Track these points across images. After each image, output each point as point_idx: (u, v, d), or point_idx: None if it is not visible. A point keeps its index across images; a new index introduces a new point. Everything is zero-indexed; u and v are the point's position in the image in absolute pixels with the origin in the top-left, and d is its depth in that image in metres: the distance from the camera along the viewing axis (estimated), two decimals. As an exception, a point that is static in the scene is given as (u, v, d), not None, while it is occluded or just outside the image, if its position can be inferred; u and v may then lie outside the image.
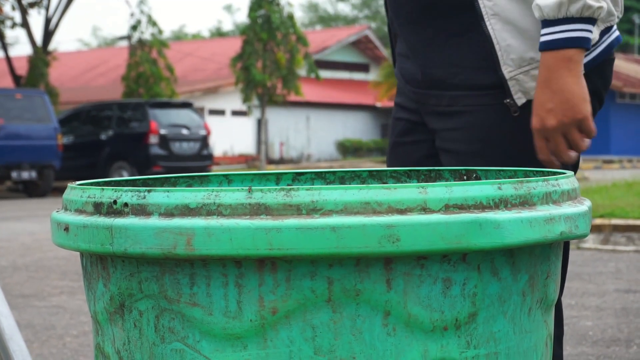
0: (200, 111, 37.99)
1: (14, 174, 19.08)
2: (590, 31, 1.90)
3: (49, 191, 19.90)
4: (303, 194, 1.26)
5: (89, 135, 20.61)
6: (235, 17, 74.08)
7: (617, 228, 9.16)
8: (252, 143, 40.79)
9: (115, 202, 1.36)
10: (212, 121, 37.42)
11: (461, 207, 1.29)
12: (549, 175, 1.59)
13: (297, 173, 1.88)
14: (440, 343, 1.33)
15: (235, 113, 38.96)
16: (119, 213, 1.35)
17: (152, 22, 25.70)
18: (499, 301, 1.37)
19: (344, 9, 73.35)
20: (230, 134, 39.73)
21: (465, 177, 1.82)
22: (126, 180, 1.73)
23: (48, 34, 27.17)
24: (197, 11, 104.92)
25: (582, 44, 1.90)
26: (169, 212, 1.30)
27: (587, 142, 1.94)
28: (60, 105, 27.58)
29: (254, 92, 23.36)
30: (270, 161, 39.10)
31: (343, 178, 1.89)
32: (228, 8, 75.20)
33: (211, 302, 1.32)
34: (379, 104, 43.56)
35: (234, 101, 36.19)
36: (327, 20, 72.03)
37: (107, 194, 1.38)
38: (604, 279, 6.83)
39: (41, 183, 19.59)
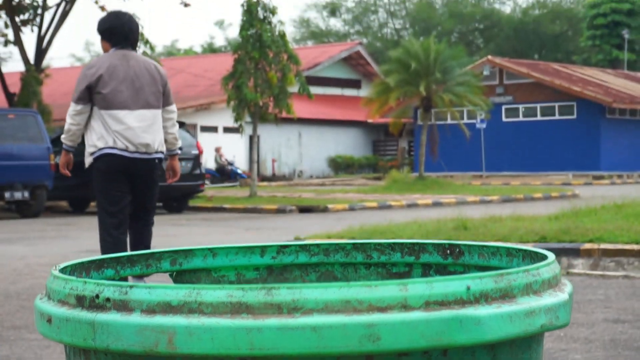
0: (192, 128, 38.04)
1: (7, 194, 19.07)
2: (66, 146, 6.97)
3: (41, 211, 19.88)
4: (284, 293, 1.27)
5: (82, 154, 20.55)
6: (227, 33, 74.05)
7: (606, 252, 9.17)
8: (244, 159, 40.78)
9: (97, 296, 1.36)
10: (204, 138, 37.45)
11: (442, 303, 1.30)
12: (530, 257, 1.60)
13: (281, 246, 1.89)
14: None
15: (228, 130, 38.99)
16: (101, 307, 1.36)
17: (145, 40, 25.72)
18: (480, 393, 1.38)
19: (336, 24, 73.51)
20: (223, 150, 39.72)
21: (448, 251, 1.83)
22: (111, 258, 1.73)
23: (41, 52, 27.16)
24: (189, 26, 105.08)
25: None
26: (151, 308, 1.31)
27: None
28: (52, 122, 27.55)
29: (246, 111, 23.37)
30: (263, 178, 39.10)
31: (327, 250, 1.89)
32: (220, 24, 75.26)
33: (193, 399, 1.32)
34: (370, 120, 43.64)
35: (226, 118, 36.21)
36: (319, 35, 72.11)
37: (89, 288, 1.38)
38: (592, 307, 6.84)
39: (34, 203, 19.57)
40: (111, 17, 7.08)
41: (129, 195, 6.96)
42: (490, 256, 1.69)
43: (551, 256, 1.54)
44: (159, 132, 6.87)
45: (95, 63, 6.87)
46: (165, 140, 7.01)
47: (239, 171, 36.45)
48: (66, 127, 6.81)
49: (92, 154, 6.74)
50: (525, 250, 1.67)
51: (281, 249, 1.90)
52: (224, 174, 35.99)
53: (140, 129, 6.74)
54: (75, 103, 6.75)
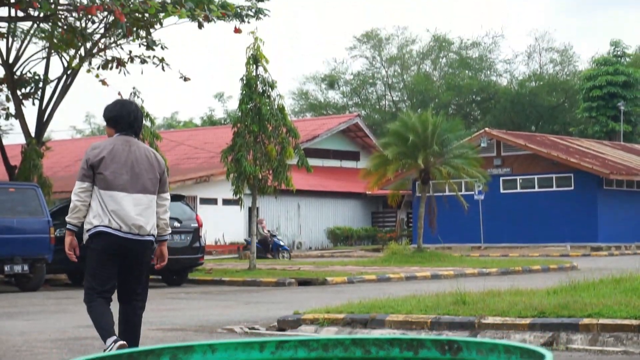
0: (192, 200, 38.11)
1: (6, 268, 19.05)
2: (71, 225, 7.24)
3: (41, 284, 19.85)
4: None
5: (82, 227, 20.57)
6: (227, 105, 74.37)
7: (605, 328, 9.16)
8: (243, 231, 40.78)
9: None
10: (203, 210, 37.49)
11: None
12: (527, 354, 1.63)
13: (280, 341, 1.92)
14: None
15: (227, 202, 39.03)
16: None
17: (145, 114, 25.95)
18: None
19: (334, 96, 73.90)
20: (222, 222, 39.75)
21: (447, 347, 1.86)
22: (110, 356, 1.76)
23: (42, 125, 27.32)
24: (189, 99, 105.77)
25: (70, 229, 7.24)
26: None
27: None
28: (53, 195, 27.61)
29: (245, 183, 23.45)
30: (262, 249, 39.05)
31: (326, 345, 1.92)
32: (219, 96, 75.69)
33: None
34: (369, 192, 43.72)
35: (226, 190, 36.32)
36: (318, 107, 72.52)
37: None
38: (593, 385, 6.82)
39: (33, 276, 19.55)
40: (117, 106, 7.54)
41: (116, 277, 7.33)
42: (488, 352, 1.73)
43: (549, 356, 1.57)
44: (152, 216, 7.34)
45: (99, 145, 7.34)
46: (157, 226, 7.47)
47: (282, 243, 35.29)
48: (72, 205, 7.23)
49: (88, 230, 7.22)
50: (522, 348, 1.71)
51: (280, 344, 1.93)
52: (266, 245, 35.14)
53: (135, 212, 7.20)
54: (81, 181, 7.23)
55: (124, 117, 7.41)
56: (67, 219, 7.26)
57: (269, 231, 35.58)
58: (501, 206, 40.05)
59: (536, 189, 40.28)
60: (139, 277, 7.36)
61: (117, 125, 7.42)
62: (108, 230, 7.13)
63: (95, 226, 7.14)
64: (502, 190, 40.62)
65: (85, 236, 7.23)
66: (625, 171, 39.69)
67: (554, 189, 39.77)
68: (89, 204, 7.21)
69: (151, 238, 7.31)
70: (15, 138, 39.89)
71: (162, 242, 7.53)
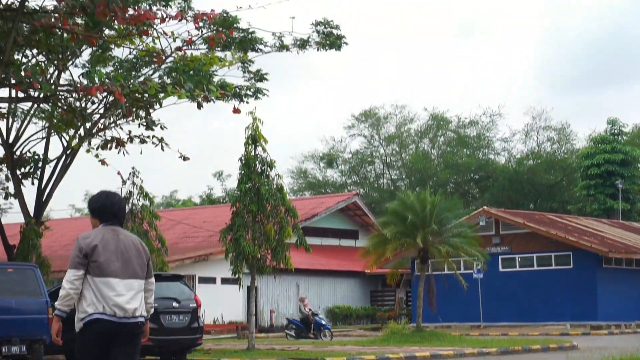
0: (190, 279, 38.02)
1: (4, 349, 18.93)
2: (61, 312, 7.40)
3: (38, 366, 19.69)
4: None
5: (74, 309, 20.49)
6: (225, 184, 74.50)
7: (606, 409, 9.12)
8: (242, 310, 40.65)
9: None
10: (202, 289, 37.39)
11: None
12: None
13: None
14: None
15: (225, 281, 38.96)
16: None
17: (144, 194, 26.05)
18: None
19: (333, 175, 74.15)
20: (221, 301, 39.61)
21: None
22: None
23: (41, 205, 27.42)
24: (188, 178, 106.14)
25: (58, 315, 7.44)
26: None
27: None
28: (51, 274, 27.58)
29: (244, 263, 23.45)
30: (261, 329, 38.86)
31: None
32: (218, 175, 75.86)
33: None
34: (368, 271, 43.65)
35: (224, 269, 36.28)
36: (316, 186, 72.69)
37: None
38: None
39: (31, 357, 19.40)
40: (102, 197, 7.76)
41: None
42: None
43: None
44: (142, 299, 7.68)
45: (89, 235, 7.55)
46: None
47: (324, 322, 34.27)
48: (64, 292, 7.40)
49: (82, 319, 7.40)
50: None
51: None
52: (308, 324, 33.80)
53: (128, 296, 7.50)
54: (76, 269, 7.42)
55: (109, 208, 7.68)
56: (57, 305, 7.45)
57: (310, 310, 34.56)
58: (500, 285, 39.96)
59: (535, 267, 40.22)
60: (131, 359, 7.61)
61: (102, 216, 7.67)
62: (104, 317, 7.36)
63: (91, 314, 7.36)
64: (501, 269, 40.57)
65: (80, 324, 7.40)
66: (624, 249, 39.67)
67: (553, 267, 39.72)
68: (82, 293, 7.41)
69: (142, 319, 7.60)
70: (14, 217, 39.95)
71: (145, 320, 7.82)
